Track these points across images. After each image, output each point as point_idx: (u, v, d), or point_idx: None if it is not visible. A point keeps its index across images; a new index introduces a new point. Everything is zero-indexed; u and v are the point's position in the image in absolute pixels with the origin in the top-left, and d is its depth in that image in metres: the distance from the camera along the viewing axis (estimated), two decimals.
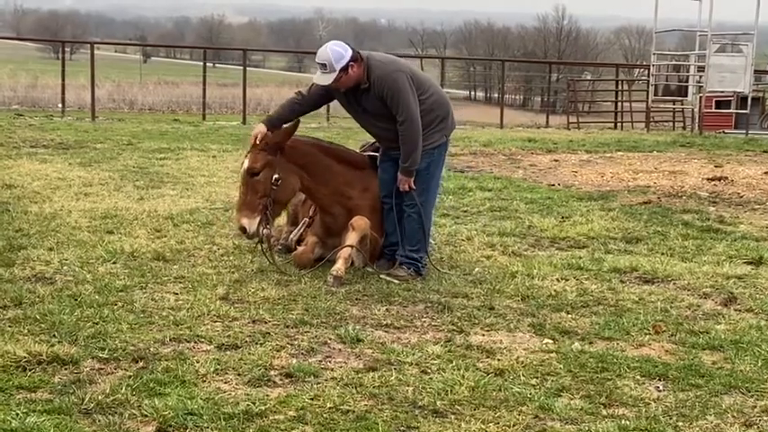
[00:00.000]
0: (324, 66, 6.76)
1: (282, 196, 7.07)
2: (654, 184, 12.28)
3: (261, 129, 7.03)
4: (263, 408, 4.39)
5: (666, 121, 30.06)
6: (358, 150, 7.78)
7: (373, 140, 7.54)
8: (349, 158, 7.37)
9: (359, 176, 7.29)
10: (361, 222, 7.02)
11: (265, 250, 7.08)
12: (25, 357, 4.86)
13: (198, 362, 4.94)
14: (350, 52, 6.77)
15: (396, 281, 6.83)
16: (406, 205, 7.11)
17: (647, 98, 25.11)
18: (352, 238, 6.95)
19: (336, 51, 6.74)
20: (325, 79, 6.82)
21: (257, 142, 6.95)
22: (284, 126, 7.07)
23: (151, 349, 5.12)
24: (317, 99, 7.25)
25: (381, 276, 6.93)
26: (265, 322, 5.71)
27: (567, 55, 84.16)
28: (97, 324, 5.50)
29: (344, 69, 6.74)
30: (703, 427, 4.39)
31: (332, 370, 4.94)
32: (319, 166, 7.13)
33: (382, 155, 7.29)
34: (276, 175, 6.91)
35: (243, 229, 6.87)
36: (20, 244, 7.53)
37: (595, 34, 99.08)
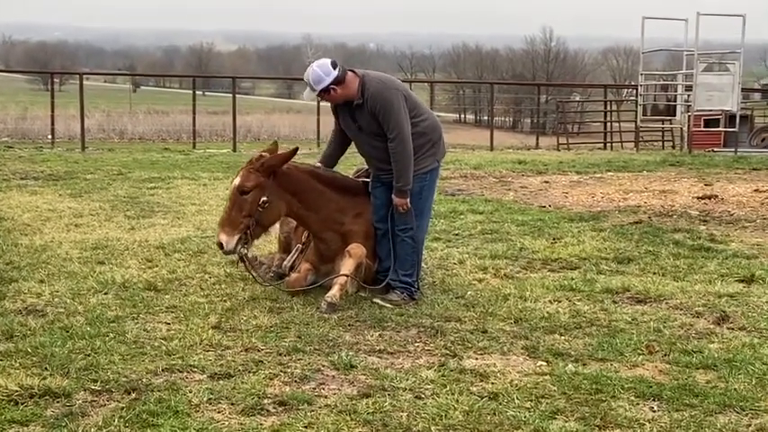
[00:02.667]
0: (308, 85, 6.95)
1: (266, 220, 7.06)
2: (644, 204, 12.30)
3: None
4: None
5: (656, 141, 30.18)
6: (352, 176, 7.80)
7: (366, 168, 7.56)
8: (342, 185, 7.36)
9: (352, 203, 7.29)
10: (357, 250, 7.02)
11: (248, 268, 7.12)
12: (17, 391, 4.83)
13: (191, 392, 4.92)
14: (332, 76, 6.84)
15: (389, 305, 6.82)
16: (400, 230, 7.12)
17: (636, 118, 25.19)
18: (348, 265, 6.94)
19: (317, 74, 6.87)
20: (309, 96, 7.18)
21: (253, 161, 6.95)
22: (282, 152, 7.09)
23: (143, 380, 5.10)
24: (340, 127, 7.33)
25: (375, 301, 6.92)
26: (258, 350, 5.69)
27: (556, 76, 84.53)
28: (89, 356, 5.48)
29: (325, 91, 6.90)
30: None
31: (326, 397, 4.92)
32: (311, 193, 7.13)
33: (373, 180, 7.29)
34: (264, 198, 6.91)
35: (220, 245, 6.88)
36: (10, 276, 7.50)
37: (583, 55, 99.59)
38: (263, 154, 7.04)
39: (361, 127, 7.07)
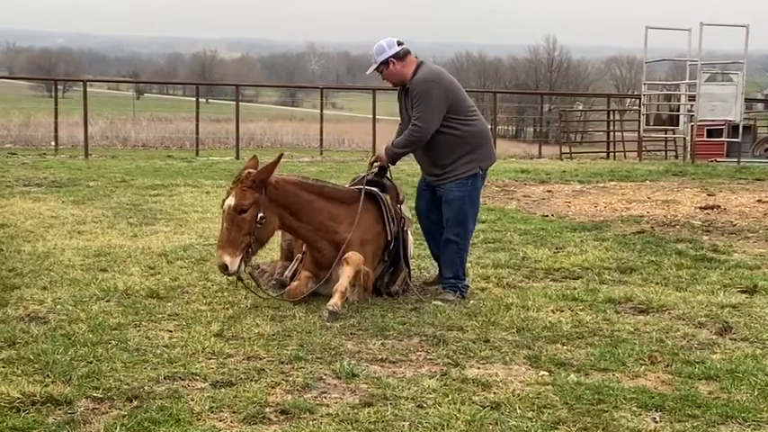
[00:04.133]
0: (371, 57, 7.43)
1: (264, 235, 7.08)
2: (647, 214, 12.30)
3: (381, 157, 7.52)
4: None
5: (658, 151, 30.16)
6: (348, 184, 7.82)
7: (363, 174, 7.67)
8: (334, 194, 7.40)
9: (345, 211, 7.31)
10: (355, 257, 7.03)
11: (248, 285, 7.11)
12: (19, 398, 4.83)
13: (192, 400, 4.92)
14: (394, 49, 7.30)
15: (444, 304, 7.13)
16: (446, 234, 7.50)
17: (639, 128, 25.20)
18: (347, 272, 6.94)
19: (380, 46, 7.35)
20: (369, 69, 7.55)
21: (243, 179, 6.93)
22: (267, 163, 7.08)
23: (145, 388, 5.09)
24: (405, 115, 7.54)
25: (434, 303, 7.18)
26: (260, 358, 5.69)
27: (559, 86, 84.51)
28: (91, 363, 5.48)
29: (385, 63, 7.32)
30: None
31: (327, 406, 4.91)
32: (302, 204, 7.16)
33: (420, 181, 7.79)
34: (261, 214, 6.91)
35: (224, 267, 6.80)
36: (13, 283, 7.51)
37: (586, 65, 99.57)
38: (250, 171, 7.00)
39: (408, 113, 7.40)
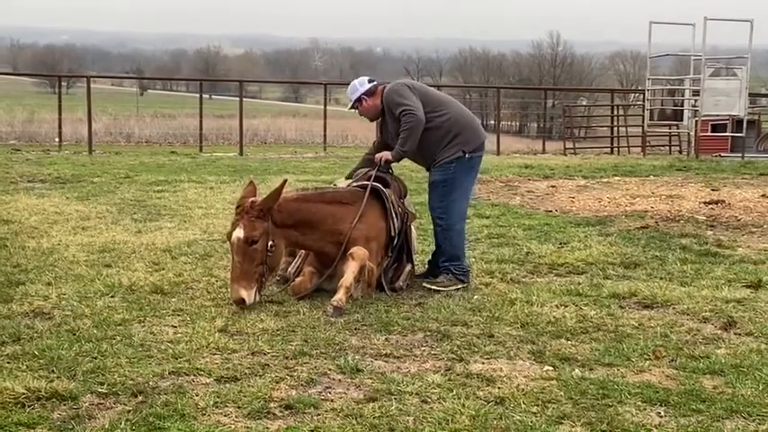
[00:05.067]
0: (348, 96, 7.88)
1: (275, 262, 7.11)
2: (651, 209, 12.29)
3: (386, 155, 7.73)
4: None
5: (662, 146, 30.09)
6: (345, 179, 7.93)
7: (365, 171, 7.80)
8: (336, 197, 7.43)
9: (348, 211, 7.32)
10: (360, 252, 7.03)
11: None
12: (24, 394, 4.84)
13: (197, 395, 4.92)
14: (365, 87, 7.75)
15: (435, 287, 7.44)
16: (434, 219, 7.83)
17: (643, 123, 25.18)
18: (352, 268, 6.94)
19: (353, 86, 7.82)
20: (347, 106, 7.99)
21: (248, 209, 6.91)
22: (271, 190, 7.08)
23: (150, 383, 5.10)
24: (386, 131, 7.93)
25: (424, 285, 7.51)
26: (264, 354, 5.69)
27: (563, 81, 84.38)
28: (96, 359, 5.49)
29: (358, 101, 7.76)
30: None
31: (332, 401, 4.92)
32: (307, 217, 7.17)
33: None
34: (270, 242, 6.92)
35: (241, 301, 6.73)
36: (18, 279, 7.52)
37: (590, 60, 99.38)
38: (253, 200, 6.99)
39: (391, 133, 7.77)
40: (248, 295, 6.76)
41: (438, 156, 7.67)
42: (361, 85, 7.76)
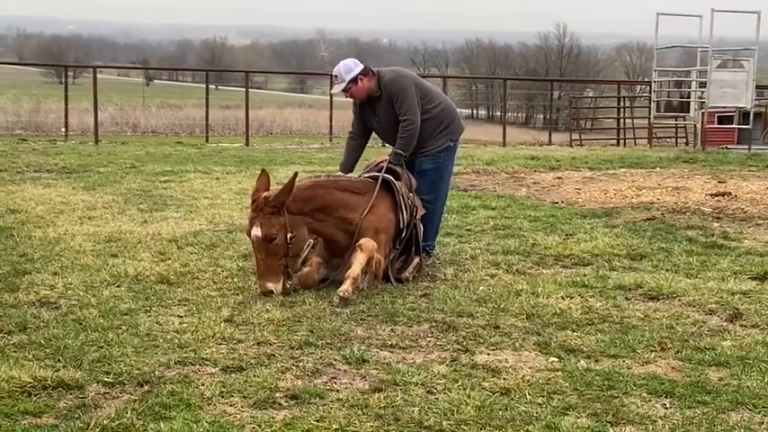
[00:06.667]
0: (336, 77, 7.86)
1: (297, 250, 7.14)
2: (657, 201, 12.27)
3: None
4: (268, 430, 4.38)
5: (669, 138, 30.07)
6: (361, 172, 7.88)
7: (377, 162, 7.85)
8: (348, 186, 7.47)
9: (359, 200, 7.34)
10: (369, 244, 7.04)
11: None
12: (30, 382, 4.85)
13: (203, 385, 4.93)
14: (360, 67, 7.79)
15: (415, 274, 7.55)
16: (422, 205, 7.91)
17: (650, 114, 25.13)
18: (359, 259, 6.95)
19: (347, 65, 7.82)
20: (338, 88, 7.94)
21: (262, 206, 6.93)
22: (284, 185, 7.09)
23: (156, 373, 5.11)
24: (360, 124, 8.14)
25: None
26: (270, 344, 5.70)
27: (569, 72, 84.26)
28: (102, 348, 5.50)
29: (354, 81, 7.76)
30: None
31: (337, 391, 4.92)
32: (321, 203, 7.22)
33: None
34: (290, 234, 6.96)
35: (270, 293, 6.83)
36: (24, 269, 7.54)
37: (597, 51, 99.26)
38: (267, 195, 7.00)
39: (380, 119, 7.92)
40: (276, 287, 6.87)
41: (428, 144, 7.98)
42: (355, 65, 7.83)
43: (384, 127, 8.03)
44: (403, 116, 7.77)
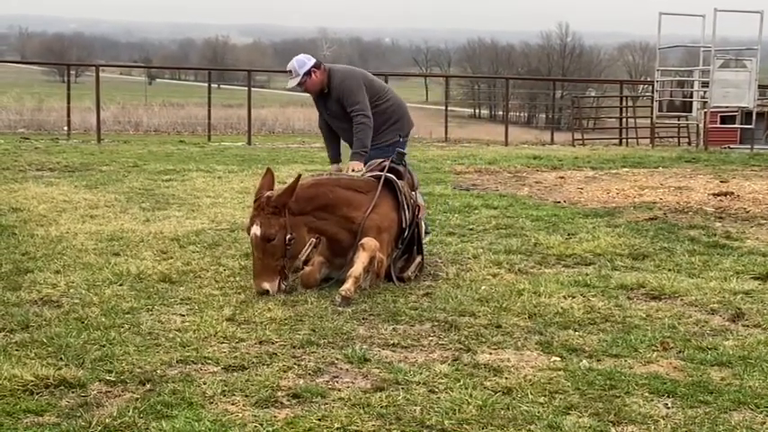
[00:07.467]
0: (291, 72, 8.19)
1: (296, 252, 7.10)
2: (660, 201, 12.26)
3: (357, 165, 8.03)
4: (270, 429, 4.38)
5: (671, 137, 30.06)
6: (365, 171, 7.88)
7: (379, 161, 7.82)
8: (351, 184, 7.45)
9: (362, 199, 7.33)
10: (371, 243, 7.03)
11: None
12: (32, 381, 4.85)
13: (205, 384, 4.93)
14: (312, 61, 8.16)
15: None
16: None
17: (652, 114, 25.12)
18: (362, 258, 6.94)
19: (300, 60, 8.17)
20: (293, 83, 8.25)
21: (264, 205, 6.93)
22: (286, 185, 7.11)
23: (158, 371, 5.11)
24: (325, 114, 8.50)
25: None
26: (272, 343, 5.70)
27: (571, 72, 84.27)
28: (104, 347, 5.50)
29: (308, 74, 8.12)
30: None
31: (339, 390, 4.92)
32: (324, 201, 7.19)
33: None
34: (289, 235, 6.94)
35: (266, 292, 6.81)
36: (26, 267, 7.54)
37: (599, 51, 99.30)
38: (269, 194, 7.00)
39: (331, 113, 8.35)
40: (271, 287, 6.84)
41: (377, 138, 8.29)
42: (308, 59, 8.16)
43: (336, 123, 8.40)
44: (354, 114, 8.11)
